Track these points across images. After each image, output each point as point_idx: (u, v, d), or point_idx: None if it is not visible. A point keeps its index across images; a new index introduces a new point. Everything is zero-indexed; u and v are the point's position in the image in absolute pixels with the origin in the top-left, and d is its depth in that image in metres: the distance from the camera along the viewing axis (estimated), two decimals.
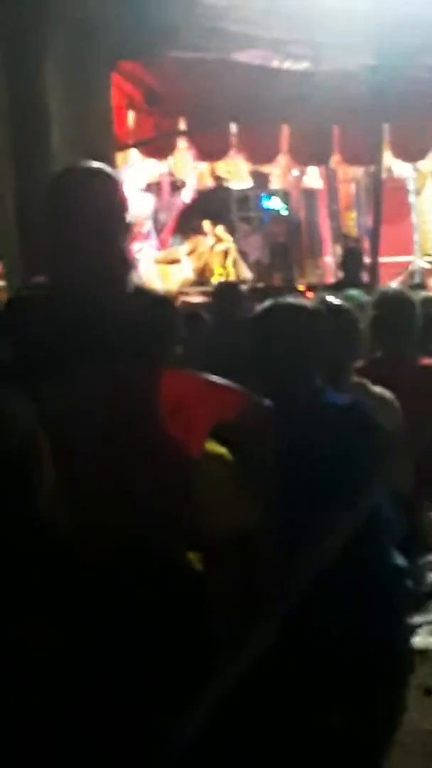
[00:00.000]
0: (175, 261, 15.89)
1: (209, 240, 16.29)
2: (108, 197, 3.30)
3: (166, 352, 3.90)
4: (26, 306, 3.78)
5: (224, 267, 15.96)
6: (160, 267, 15.41)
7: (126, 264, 3.34)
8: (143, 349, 3.16)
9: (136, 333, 3.17)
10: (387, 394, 4.96)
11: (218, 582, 3.18)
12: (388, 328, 5.66)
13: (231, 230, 17.66)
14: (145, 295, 3.54)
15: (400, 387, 5.08)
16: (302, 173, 15.69)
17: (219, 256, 16.21)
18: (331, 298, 4.84)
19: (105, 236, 3.24)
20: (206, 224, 16.31)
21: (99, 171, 3.34)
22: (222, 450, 3.28)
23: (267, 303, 3.94)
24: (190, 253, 16.35)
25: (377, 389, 4.93)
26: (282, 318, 3.86)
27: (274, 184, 15.95)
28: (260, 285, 14.48)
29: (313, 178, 15.61)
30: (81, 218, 3.23)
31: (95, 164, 3.36)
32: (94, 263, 3.20)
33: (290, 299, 3.95)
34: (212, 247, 16.19)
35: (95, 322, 3.09)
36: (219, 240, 16.20)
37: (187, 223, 16.53)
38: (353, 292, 7.09)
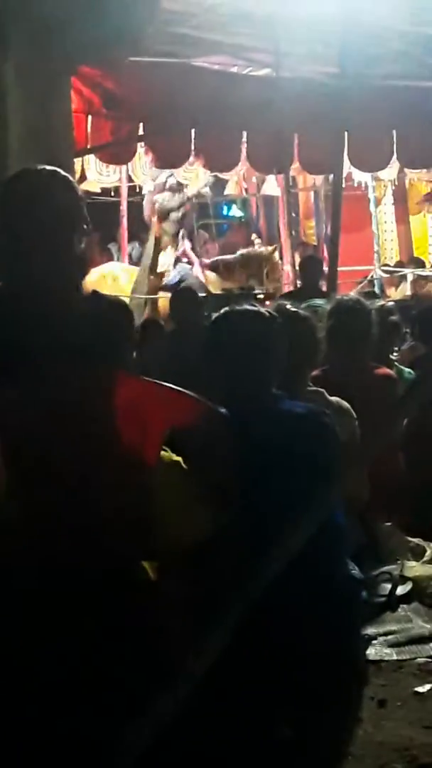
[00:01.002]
0: None
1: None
2: (64, 199, 3.28)
3: (120, 356, 3.86)
4: None
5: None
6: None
7: (81, 267, 3.32)
8: (97, 352, 3.13)
9: (90, 336, 3.15)
10: (343, 403, 4.95)
11: (172, 590, 3.16)
12: (343, 337, 5.66)
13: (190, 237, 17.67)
14: (99, 298, 3.50)
15: (354, 396, 5.07)
16: (261, 181, 15.70)
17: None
18: (288, 306, 4.83)
19: (60, 238, 3.22)
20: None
21: (54, 172, 3.32)
22: (177, 458, 3.27)
23: (223, 310, 3.92)
24: None
25: (334, 399, 4.92)
26: (237, 324, 3.84)
27: (233, 191, 15.97)
28: (217, 292, 14.46)
29: (272, 185, 15.60)
30: (36, 219, 3.21)
31: (44, 166, 3.34)
32: (48, 265, 3.18)
33: (246, 306, 3.93)
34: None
35: (49, 323, 3.08)
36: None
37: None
38: (318, 301, 7.09)
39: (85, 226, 3.33)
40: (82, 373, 3.05)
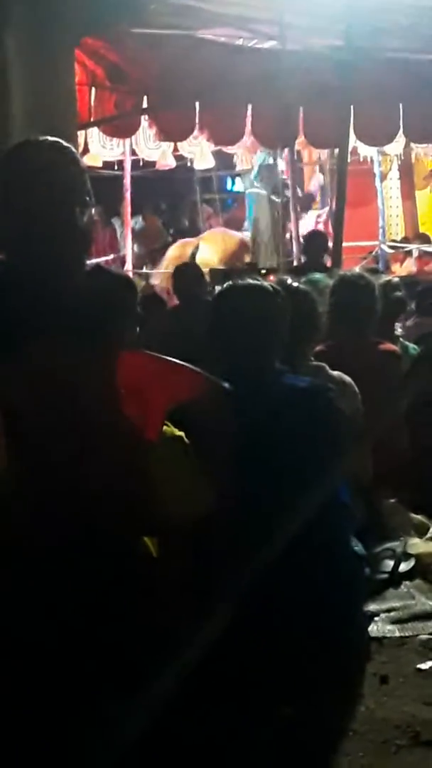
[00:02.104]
0: None
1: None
2: (65, 171, 3.25)
3: (124, 331, 3.85)
4: None
5: None
6: None
7: (84, 241, 3.29)
8: (98, 328, 3.11)
9: (92, 312, 3.12)
10: (346, 378, 4.93)
11: (173, 566, 3.15)
12: (348, 312, 5.64)
13: (194, 212, 17.63)
14: (101, 273, 3.47)
15: (359, 371, 5.05)
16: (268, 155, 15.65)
17: None
18: (289, 280, 4.81)
19: (61, 212, 3.19)
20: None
21: (56, 144, 3.29)
22: (179, 432, 3.26)
23: (225, 285, 3.91)
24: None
25: (336, 373, 4.90)
26: (239, 299, 3.83)
27: (238, 165, 15.90)
28: (221, 267, 14.44)
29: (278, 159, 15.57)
30: (36, 192, 3.18)
31: (46, 137, 3.30)
32: (49, 239, 3.15)
33: (248, 280, 3.91)
34: None
35: (50, 299, 3.05)
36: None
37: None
38: (317, 275, 7.07)
39: (87, 199, 3.30)
40: (83, 349, 3.03)
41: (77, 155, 3.37)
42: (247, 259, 14.06)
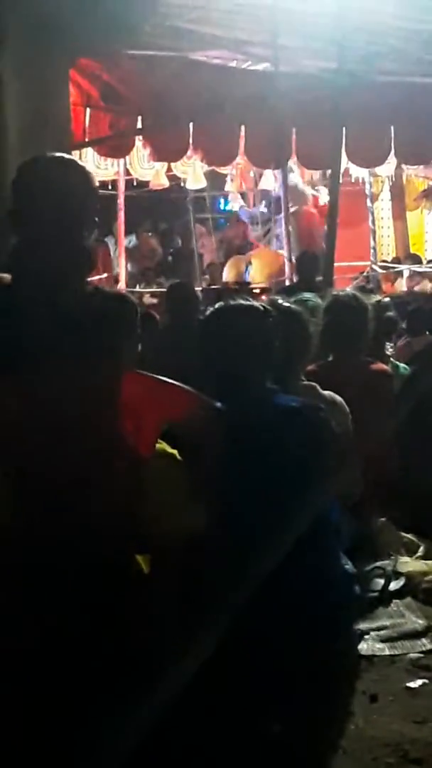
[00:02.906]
0: None
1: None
2: (76, 191, 3.25)
3: (126, 352, 3.87)
4: None
5: None
6: None
7: (88, 261, 3.30)
8: (104, 349, 3.13)
9: (97, 333, 3.13)
10: (337, 397, 4.95)
11: (164, 583, 3.16)
12: (340, 332, 5.65)
13: (187, 231, 17.65)
14: (104, 294, 3.48)
15: (351, 391, 5.07)
16: (259, 175, 15.68)
17: None
18: (280, 300, 4.83)
19: (69, 231, 3.20)
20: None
21: (69, 162, 3.29)
22: (172, 450, 3.27)
23: (217, 304, 3.92)
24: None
25: (327, 393, 4.91)
26: (230, 319, 3.84)
27: (233, 188, 15.94)
28: (214, 287, 14.46)
29: (270, 180, 15.59)
30: (45, 211, 3.18)
31: (63, 155, 3.31)
32: (55, 258, 3.15)
33: (240, 300, 3.93)
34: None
35: (51, 319, 3.06)
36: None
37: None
38: (308, 295, 7.08)
39: (95, 219, 3.32)
40: (86, 370, 3.05)
41: (89, 174, 3.36)
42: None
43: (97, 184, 3.40)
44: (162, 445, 3.30)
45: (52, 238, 3.17)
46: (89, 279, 3.35)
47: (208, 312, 3.98)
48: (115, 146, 12.29)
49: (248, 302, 3.96)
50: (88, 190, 3.31)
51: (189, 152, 12.41)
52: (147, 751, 2.93)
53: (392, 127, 12.60)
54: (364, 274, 15.33)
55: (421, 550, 5.31)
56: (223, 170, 14.56)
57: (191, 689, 3.02)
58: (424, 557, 5.23)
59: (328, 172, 11.87)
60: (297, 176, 15.01)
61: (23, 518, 2.97)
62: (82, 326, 3.11)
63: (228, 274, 15.02)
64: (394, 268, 16.14)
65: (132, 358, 4.27)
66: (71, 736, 2.90)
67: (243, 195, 17.69)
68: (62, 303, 3.12)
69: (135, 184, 14.41)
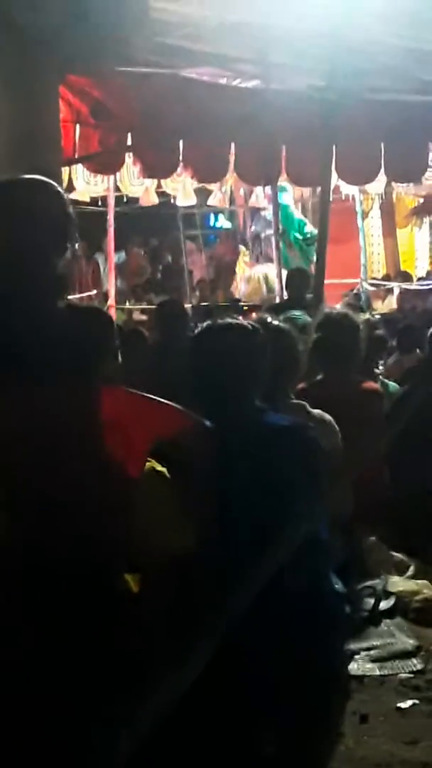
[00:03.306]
0: None
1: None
2: (50, 211, 3.24)
3: (101, 366, 3.85)
4: None
5: None
6: None
7: (61, 286, 3.29)
8: (77, 365, 3.11)
9: (70, 349, 3.12)
10: (326, 416, 4.94)
11: (154, 602, 3.15)
12: (331, 351, 5.65)
13: (177, 248, 17.66)
14: (77, 311, 3.47)
15: (342, 410, 5.06)
16: (249, 192, 15.71)
17: None
18: (269, 319, 4.82)
19: (39, 256, 3.19)
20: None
21: (45, 183, 3.28)
22: (161, 468, 3.26)
23: (205, 323, 3.92)
24: None
25: (316, 411, 4.90)
26: (220, 338, 3.84)
27: (221, 202, 15.95)
28: (204, 304, 14.48)
29: (260, 197, 15.63)
30: (16, 235, 3.19)
31: (36, 177, 3.29)
32: (24, 284, 3.15)
33: (228, 319, 3.93)
34: None
35: (28, 341, 3.04)
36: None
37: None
38: (297, 313, 7.09)
39: (69, 244, 3.30)
40: (61, 388, 3.04)
41: (64, 196, 3.35)
42: None
43: (70, 208, 3.35)
44: (151, 463, 3.28)
45: (21, 263, 3.17)
46: (76, 296, 3.35)
47: (197, 330, 3.98)
48: (105, 163, 12.29)
49: (237, 321, 3.97)
50: (61, 210, 3.29)
51: (179, 169, 12.42)
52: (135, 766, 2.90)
53: (382, 145, 12.63)
54: (354, 291, 15.34)
55: (411, 570, 5.30)
56: (212, 186, 14.58)
57: (179, 708, 2.99)
58: (415, 576, 5.23)
59: (318, 189, 11.87)
60: (290, 197, 15.11)
61: (9, 538, 2.95)
62: (55, 345, 3.10)
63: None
64: (384, 285, 16.17)
65: (111, 371, 4.26)
66: (60, 754, 2.89)
67: (233, 213, 17.74)
68: (34, 325, 3.10)
69: (125, 200, 14.42)
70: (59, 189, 3.32)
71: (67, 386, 3.05)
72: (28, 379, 2.98)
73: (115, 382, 3.77)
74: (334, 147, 10.50)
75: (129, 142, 11.89)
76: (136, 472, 3.16)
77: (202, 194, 15.09)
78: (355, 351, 5.74)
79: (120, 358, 4.62)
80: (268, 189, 13.54)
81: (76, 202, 12.73)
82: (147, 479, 3.20)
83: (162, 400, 3.21)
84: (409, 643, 4.55)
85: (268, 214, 15.60)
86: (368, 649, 4.48)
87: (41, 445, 2.98)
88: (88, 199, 13.50)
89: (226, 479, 3.39)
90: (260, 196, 15.20)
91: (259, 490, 3.51)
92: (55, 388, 3.03)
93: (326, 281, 10.27)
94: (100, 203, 14.17)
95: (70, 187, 12.23)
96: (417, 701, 4.05)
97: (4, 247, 3.17)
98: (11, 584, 2.94)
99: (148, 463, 3.24)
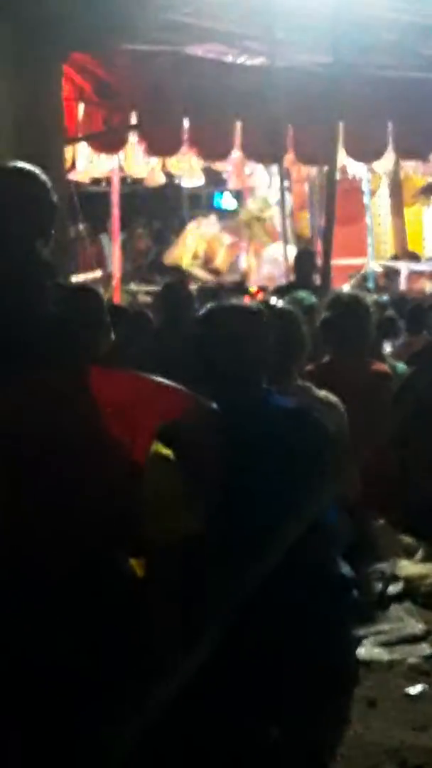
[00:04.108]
0: None
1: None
2: (31, 198, 3.26)
3: (95, 344, 3.82)
4: None
5: None
6: None
7: (46, 272, 3.28)
8: (70, 346, 3.11)
9: (61, 330, 3.12)
10: (332, 397, 4.89)
11: (160, 586, 3.14)
12: (341, 332, 5.61)
13: (182, 228, 17.62)
14: (66, 290, 3.46)
15: (349, 392, 5.01)
16: (254, 171, 15.67)
17: None
18: (274, 300, 4.80)
19: (25, 241, 3.19)
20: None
21: (25, 170, 3.30)
22: (167, 451, 3.23)
23: (211, 304, 3.89)
24: None
25: (322, 393, 4.86)
26: (225, 319, 3.80)
27: (233, 184, 15.93)
28: (210, 285, 14.44)
29: (265, 177, 15.60)
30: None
31: (20, 164, 3.31)
32: (11, 269, 3.14)
33: (233, 301, 3.90)
34: None
35: (17, 328, 3.04)
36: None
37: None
38: (302, 294, 7.05)
39: (51, 234, 3.32)
40: (56, 371, 3.03)
41: (44, 182, 3.35)
42: None
43: (54, 196, 3.36)
44: (157, 446, 3.25)
45: (3, 251, 3.18)
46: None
47: (202, 312, 3.94)
48: (109, 142, 12.26)
49: (241, 303, 3.94)
50: (43, 198, 3.30)
51: (184, 148, 12.38)
52: (141, 754, 2.88)
53: (389, 122, 12.58)
54: (362, 272, 15.30)
55: (420, 553, 5.29)
56: (219, 166, 14.53)
57: (187, 693, 2.98)
58: (423, 560, 5.20)
59: (325, 168, 11.82)
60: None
61: (12, 522, 2.92)
62: (45, 329, 3.10)
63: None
64: (392, 266, 16.12)
65: (105, 347, 4.24)
66: (67, 740, 2.86)
67: (239, 193, 17.69)
68: (21, 312, 3.11)
69: (130, 180, 14.37)
70: (43, 177, 3.32)
71: (62, 368, 3.05)
72: (22, 363, 2.95)
73: (114, 361, 3.75)
74: (340, 124, 10.45)
75: (133, 121, 11.85)
76: (142, 455, 3.12)
77: (209, 174, 15.04)
78: (365, 332, 5.70)
79: (119, 338, 4.60)
80: None
81: (78, 183, 12.76)
82: (152, 462, 3.17)
83: (168, 382, 3.19)
84: (418, 627, 4.54)
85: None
86: (376, 633, 4.48)
87: (41, 430, 2.96)
88: (89, 180, 13.47)
89: (232, 461, 3.35)
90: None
91: (265, 473, 3.48)
92: (49, 371, 3.01)
93: (333, 262, 10.24)
94: (104, 183, 14.13)
95: (73, 167, 12.21)
96: (426, 686, 4.04)
97: None
98: (16, 568, 2.91)
99: (153, 446, 3.20)
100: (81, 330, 3.29)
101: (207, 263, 16.13)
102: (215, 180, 16.24)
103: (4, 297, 3.11)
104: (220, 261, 16.17)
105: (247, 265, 16.33)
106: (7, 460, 2.95)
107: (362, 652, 4.30)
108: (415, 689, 4.01)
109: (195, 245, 16.25)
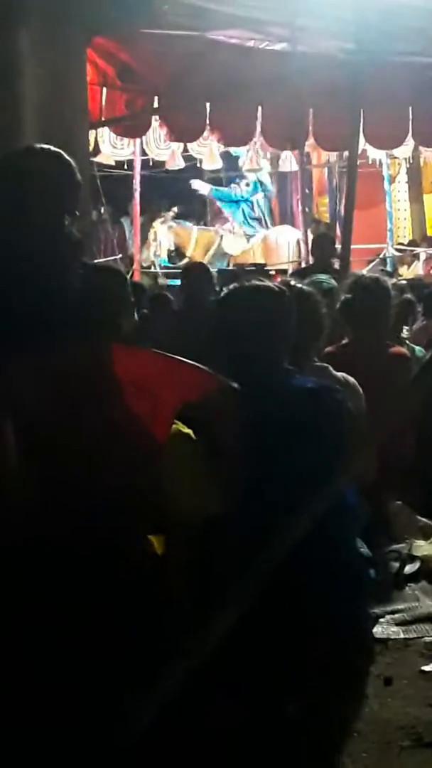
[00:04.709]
0: None
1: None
2: (56, 178, 3.29)
3: (117, 324, 3.86)
4: None
5: None
6: None
7: (74, 248, 3.32)
8: (95, 324, 3.14)
9: (86, 308, 3.15)
10: (350, 379, 4.91)
11: (180, 564, 3.15)
12: (361, 314, 5.62)
13: (203, 212, 17.63)
14: (92, 269, 3.50)
15: (369, 374, 5.04)
16: (276, 157, 15.66)
17: None
18: (294, 282, 4.80)
19: (49, 219, 3.23)
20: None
21: (49, 150, 3.33)
22: (187, 430, 3.26)
23: (232, 285, 3.91)
24: None
25: (340, 374, 4.88)
26: (247, 300, 3.82)
27: (246, 165, 15.91)
28: (230, 267, 14.45)
29: (286, 161, 15.58)
30: (27, 198, 3.24)
31: (46, 146, 3.35)
32: (38, 245, 3.18)
33: (255, 281, 3.91)
34: None
35: (44, 302, 3.07)
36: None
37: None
38: (322, 276, 7.06)
39: (76, 212, 3.36)
40: (80, 349, 3.06)
41: (71, 163, 3.39)
42: None
43: (78, 175, 3.41)
44: (178, 425, 3.28)
45: (31, 227, 3.21)
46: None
47: (224, 292, 3.97)
48: (132, 126, 12.29)
49: (263, 283, 3.95)
50: (68, 177, 3.35)
51: (205, 132, 12.38)
52: (162, 730, 2.92)
53: (410, 109, 12.55)
54: (381, 256, 15.29)
55: None
56: (239, 150, 14.54)
57: (205, 670, 3.01)
58: None
59: (345, 153, 11.81)
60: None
61: (34, 498, 2.96)
62: (71, 304, 3.15)
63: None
64: (410, 250, 16.10)
65: (129, 327, 4.27)
66: (78, 722, 2.91)
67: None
68: (48, 286, 3.15)
69: (151, 164, 14.39)
70: (68, 157, 3.35)
71: (84, 344, 3.07)
72: (47, 341, 2.98)
73: (137, 341, 3.78)
74: (361, 111, 10.43)
75: (155, 105, 11.86)
76: (163, 435, 3.15)
77: (228, 159, 15.05)
78: (384, 315, 5.71)
79: (142, 319, 4.62)
80: None
81: (101, 166, 12.78)
82: (173, 441, 3.20)
83: (189, 362, 3.21)
84: None
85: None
86: (393, 612, 4.50)
87: (64, 407, 2.99)
88: (113, 163, 13.49)
89: (253, 441, 3.38)
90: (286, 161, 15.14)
91: (286, 452, 3.50)
92: (72, 346, 3.04)
93: (352, 246, 10.24)
94: (126, 167, 14.14)
95: (96, 150, 12.22)
96: None
97: (18, 213, 3.21)
98: (36, 545, 2.94)
99: (174, 426, 3.24)
100: (104, 307, 3.32)
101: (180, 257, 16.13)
102: (234, 164, 16.25)
103: (31, 272, 3.15)
104: (192, 252, 16.15)
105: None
106: (28, 435, 2.98)
107: (378, 630, 4.33)
108: (430, 667, 4.03)
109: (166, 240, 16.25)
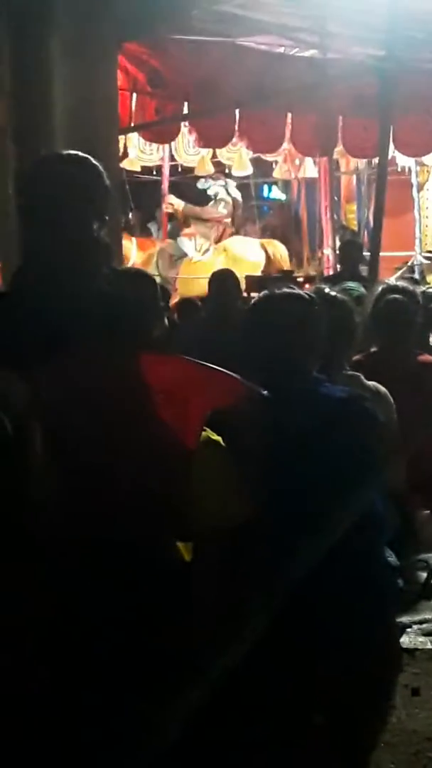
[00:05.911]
0: None
1: None
2: (86, 184, 3.30)
3: (148, 329, 3.85)
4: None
5: None
6: None
7: (104, 253, 3.32)
8: (123, 331, 3.13)
9: (116, 313, 3.15)
10: (381, 388, 4.90)
11: (207, 571, 3.14)
12: (390, 323, 5.61)
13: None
14: (120, 275, 3.51)
15: (398, 382, 5.02)
16: (303, 162, 15.64)
17: None
18: (326, 289, 4.78)
19: (80, 224, 3.24)
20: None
21: (78, 156, 3.35)
22: (217, 437, 3.25)
23: (263, 292, 3.90)
24: None
25: (371, 383, 4.87)
26: (277, 307, 3.81)
27: (277, 173, 15.89)
28: (258, 274, 14.43)
29: (313, 168, 15.56)
30: (57, 204, 3.24)
31: (76, 152, 3.37)
32: (70, 249, 3.18)
33: (286, 289, 3.90)
34: None
35: (73, 307, 3.07)
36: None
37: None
38: (352, 284, 7.05)
39: (105, 217, 3.36)
40: (107, 352, 3.05)
41: (99, 169, 3.40)
42: None
43: (107, 181, 3.41)
44: (207, 432, 3.27)
45: (62, 232, 3.22)
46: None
47: (255, 299, 3.96)
48: (161, 132, 12.32)
49: (293, 290, 3.94)
50: (97, 183, 3.36)
51: (234, 139, 12.40)
52: (188, 739, 2.92)
53: None
54: (409, 264, 15.26)
55: None
56: (268, 157, 14.53)
57: (231, 680, 3.00)
58: None
59: (374, 161, 11.80)
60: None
61: (61, 505, 2.96)
62: (100, 309, 3.13)
63: None
64: None
65: (159, 332, 4.27)
66: (101, 729, 2.88)
67: (287, 184, 17.67)
68: (78, 291, 3.14)
69: (180, 170, 14.41)
70: (97, 163, 3.37)
71: (114, 348, 3.06)
72: (76, 347, 2.98)
73: (167, 348, 3.78)
74: (391, 118, 10.42)
75: (185, 111, 11.88)
76: (193, 441, 3.15)
77: (258, 165, 15.05)
78: (413, 323, 5.70)
79: (171, 325, 4.62)
80: None
81: (129, 172, 12.82)
82: (202, 448, 3.19)
83: (219, 368, 3.19)
84: None
85: None
86: (420, 622, 4.49)
87: (93, 414, 2.97)
88: (138, 168, 13.53)
89: (282, 449, 3.38)
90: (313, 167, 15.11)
91: (315, 461, 3.49)
92: (103, 354, 3.03)
93: (380, 254, 10.22)
94: (154, 173, 14.17)
95: (125, 155, 12.26)
96: None
97: (48, 218, 3.23)
98: (63, 552, 2.93)
99: (203, 432, 3.23)
100: (134, 312, 3.32)
101: None
102: (264, 170, 16.24)
103: (61, 277, 3.15)
104: None
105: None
106: (56, 441, 2.97)
107: (406, 640, 4.33)
108: None
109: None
